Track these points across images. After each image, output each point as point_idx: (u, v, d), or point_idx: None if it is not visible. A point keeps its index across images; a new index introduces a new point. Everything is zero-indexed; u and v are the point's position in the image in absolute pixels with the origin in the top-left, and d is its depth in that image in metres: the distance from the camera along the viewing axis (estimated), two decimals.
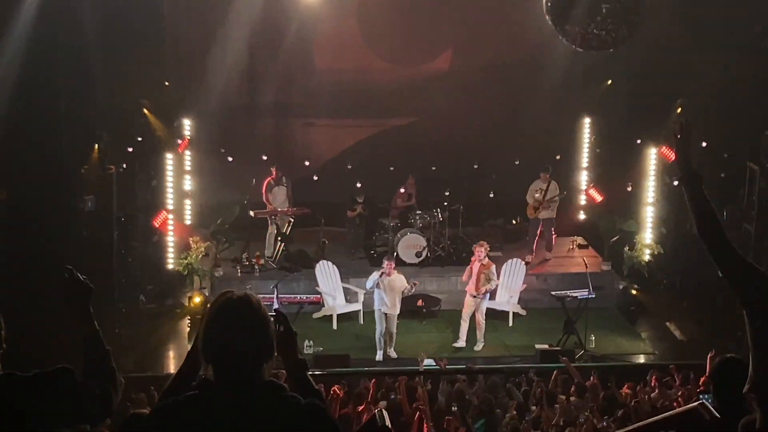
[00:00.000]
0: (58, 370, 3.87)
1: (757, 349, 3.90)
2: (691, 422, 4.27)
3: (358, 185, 20.67)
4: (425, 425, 10.01)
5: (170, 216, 19.05)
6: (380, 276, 16.37)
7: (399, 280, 16.64)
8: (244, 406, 3.55)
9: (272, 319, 3.78)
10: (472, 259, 17.23)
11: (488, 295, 17.24)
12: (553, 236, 20.43)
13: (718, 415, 4.35)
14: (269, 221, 20.02)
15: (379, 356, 16.55)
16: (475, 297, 17.06)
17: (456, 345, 17.15)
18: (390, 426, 6.17)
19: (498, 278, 17.86)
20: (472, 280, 17.06)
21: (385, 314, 16.55)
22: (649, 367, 14.40)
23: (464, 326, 17.19)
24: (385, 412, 6.84)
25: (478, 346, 17.14)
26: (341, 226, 21.14)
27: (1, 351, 3.81)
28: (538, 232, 20.17)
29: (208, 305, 3.79)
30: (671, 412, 4.92)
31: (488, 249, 17.36)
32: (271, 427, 3.54)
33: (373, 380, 12.93)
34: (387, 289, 16.45)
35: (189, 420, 3.55)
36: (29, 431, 3.64)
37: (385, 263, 16.59)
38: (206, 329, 3.65)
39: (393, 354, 16.67)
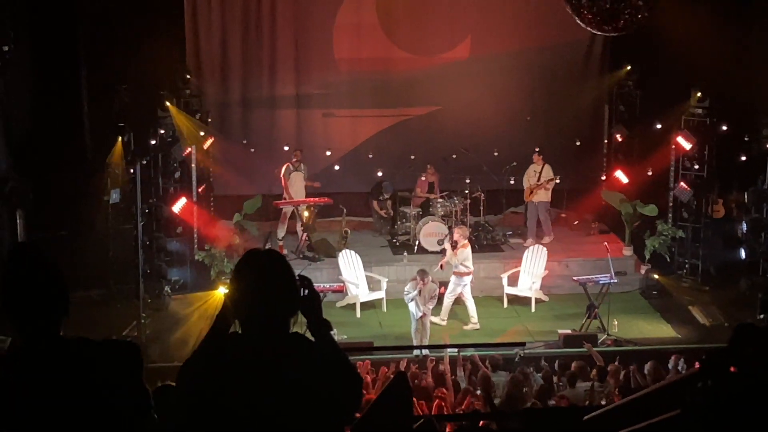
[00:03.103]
0: (128, 343, 3.99)
1: None
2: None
3: (380, 174, 20.78)
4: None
5: (193, 206, 19.21)
6: (418, 293, 16.47)
7: (431, 289, 16.76)
8: (273, 354, 3.71)
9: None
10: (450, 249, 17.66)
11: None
12: (549, 219, 20.50)
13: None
14: (287, 212, 20.20)
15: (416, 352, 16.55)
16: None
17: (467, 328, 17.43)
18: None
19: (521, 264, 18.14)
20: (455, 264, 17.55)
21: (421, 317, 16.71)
22: (674, 351, 14.47)
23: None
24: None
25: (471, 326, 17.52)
26: (363, 216, 21.26)
27: (66, 318, 3.91)
28: (545, 217, 20.30)
29: (237, 263, 3.92)
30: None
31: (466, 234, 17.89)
32: (299, 374, 3.69)
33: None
34: (424, 301, 16.58)
35: (218, 370, 3.72)
36: (95, 394, 3.73)
37: (419, 279, 16.65)
38: (236, 282, 3.82)
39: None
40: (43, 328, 3.80)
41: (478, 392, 12.14)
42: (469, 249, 17.69)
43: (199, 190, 19.89)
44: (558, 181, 20.12)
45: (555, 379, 13.55)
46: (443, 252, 17.98)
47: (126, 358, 3.90)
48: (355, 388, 3.91)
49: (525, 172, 20.33)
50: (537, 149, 20.25)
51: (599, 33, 15.05)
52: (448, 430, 8.67)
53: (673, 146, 19.63)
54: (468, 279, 17.55)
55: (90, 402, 3.74)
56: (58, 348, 3.81)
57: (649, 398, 4.96)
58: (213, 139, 20.27)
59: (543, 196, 20.20)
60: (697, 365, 4.35)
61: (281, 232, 20.28)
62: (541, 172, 20.06)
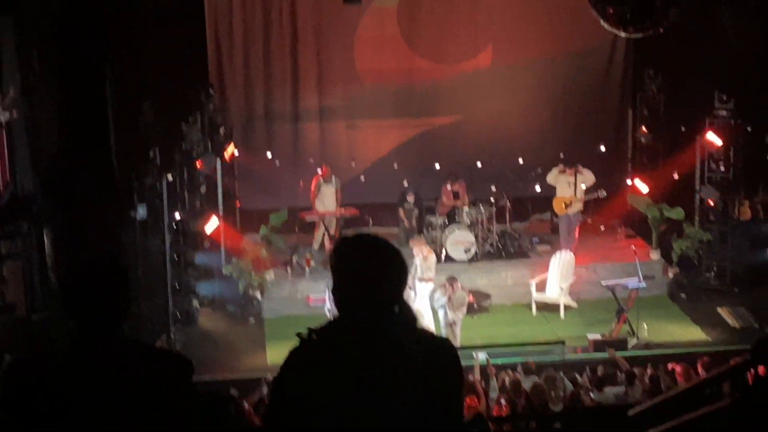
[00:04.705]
0: (181, 357, 4.00)
1: None
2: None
3: (405, 184, 20.79)
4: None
5: (220, 222, 19.27)
6: (448, 299, 16.50)
7: (460, 296, 16.77)
8: (385, 340, 3.60)
9: None
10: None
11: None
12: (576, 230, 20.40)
13: None
14: (318, 223, 20.23)
15: None
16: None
17: None
18: None
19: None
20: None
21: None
22: (704, 354, 14.42)
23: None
24: None
25: None
26: (389, 225, 21.28)
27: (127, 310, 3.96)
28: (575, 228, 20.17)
29: (335, 250, 3.78)
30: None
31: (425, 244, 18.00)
32: (410, 360, 3.58)
33: None
34: (453, 309, 16.59)
35: (322, 364, 3.58)
36: (146, 398, 3.75)
37: (448, 285, 16.68)
38: (338, 269, 3.70)
39: None
40: (105, 326, 3.85)
41: (503, 401, 12.17)
42: (433, 257, 17.82)
43: (225, 204, 19.93)
44: (603, 195, 20.09)
45: (584, 383, 13.55)
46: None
47: (180, 369, 3.92)
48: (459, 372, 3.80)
49: (554, 180, 20.07)
50: (562, 163, 20.09)
51: (624, 35, 15.01)
52: None
53: (700, 147, 19.54)
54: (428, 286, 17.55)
55: (139, 406, 3.76)
56: (118, 347, 3.86)
57: (696, 390, 4.94)
58: (236, 152, 20.32)
59: (578, 206, 20.08)
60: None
61: (316, 244, 20.28)
62: (575, 184, 19.91)
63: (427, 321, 17.04)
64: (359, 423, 3.52)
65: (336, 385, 3.53)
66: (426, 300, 17.31)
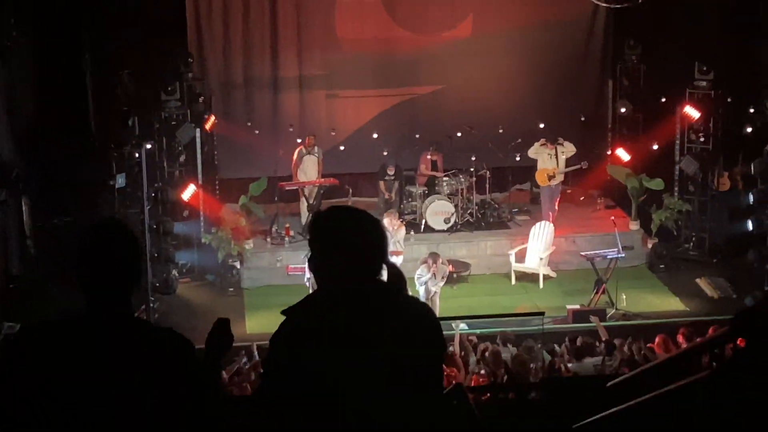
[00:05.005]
0: (186, 340, 3.94)
1: None
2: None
3: (385, 153, 20.74)
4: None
5: (200, 190, 19.20)
6: (432, 276, 16.52)
7: (442, 270, 16.80)
8: (367, 309, 3.67)
9: None
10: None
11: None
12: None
13: None
14: (299, 193, 20.18)
15: None
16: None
17: None
18: None
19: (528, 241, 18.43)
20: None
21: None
22: (683, 324, 14.48)
23: None
24: None
25: None
26: (369, 196, 21.26)
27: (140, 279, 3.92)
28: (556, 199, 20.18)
29: (314, 222, 3.85)
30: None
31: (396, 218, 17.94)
32: (396, 324, 3.66)
33: None
34: (435, 282, 16.63)
35: (308, 338, 3.65)
36: (150, 374, 3.73)
37: (431, 262, 16.70)
38: (319, 240, 3.77)
39: None
40: (113, 299, 3.80)
41: (482, 371, 12.20)
42: (403, 230, 17.91)
43: (205, 173, 19.85)
44: (585, 166, 20.09)
45: (563, 353, 13.60)
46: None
47: (184, 348, 3.87)
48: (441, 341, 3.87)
49: (535, 154, 20.01)
50: (543, 137, 20.09)
51: (604, 5, 15.00)
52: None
53: (680, 118, 19.56)
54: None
55: (142, 380, 3.73)
56: (123, 320, 3.82)
57: (676, 362, 4.95)
58: (214, 118, 20.23)
59: (560, 177, 20.07)
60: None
61: (303, 218, 20.18)
62: (557, 156, 19.87)
63: None
64: (345, 391, 3.58)
65: (321, 357, 3.58)
66: None
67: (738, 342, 4.05)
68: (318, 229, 3.76)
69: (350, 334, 3.60)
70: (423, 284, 16.60)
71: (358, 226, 3.72)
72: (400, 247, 17.51)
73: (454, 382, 11.14)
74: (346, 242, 3.68)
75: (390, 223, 17.42)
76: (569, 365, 12.69)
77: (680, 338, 13.21)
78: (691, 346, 4.94)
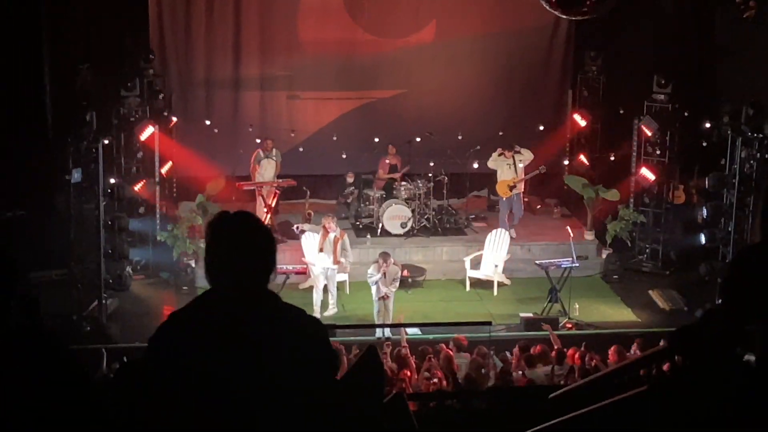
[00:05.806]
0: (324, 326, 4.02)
1: None
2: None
3: (344, 156, 20.74)
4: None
5: (156, 187, 19.12)
6: (382, 276, 16.51)
7: (394, 271, 16.80)
8: (246, 314, 3.79)
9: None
10: (322, 233, 17.55)
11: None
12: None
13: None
14: (256, 193, 20.11)
15: (378, 333, 16.48)
16: (330, 268, 17.43)
17: (328, 314, 17.36)
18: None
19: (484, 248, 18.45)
20: (328, 252, 17.40)
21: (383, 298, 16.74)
22: (634, 335, 14.59)
23: (322, 296, 17.52)
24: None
25: (330, 312, 17.43)
26: (327, 198, 21.27)
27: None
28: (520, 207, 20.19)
29: (208, 226, 3.98)
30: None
31: (335, 221, 17.90)
32: (273, 334, 3.77)
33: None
34: (387, 283, 16.62)
35: (191, 331, 3.79)
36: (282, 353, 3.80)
37: (381, 262, 16.67)
38: (211, 243, 3.91)
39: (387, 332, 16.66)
40: (248, 284, 3.88)
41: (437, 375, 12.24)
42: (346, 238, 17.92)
43: (162, 170, 19.74)
44: (543, 170, 20.12)
45: (514, 361, 13.65)
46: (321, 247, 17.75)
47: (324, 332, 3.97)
48: (330, 354, 3.96)
49: (494, 164, 19.93)
50: (500, 147, 20.00)
51: (565, 17, 15.09)
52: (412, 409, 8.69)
53: (637, 129, 19.69)
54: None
55: (288, 357, 3.80)
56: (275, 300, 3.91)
57: (616, 375, 4.99)
58: (175, 119, 20.14)
59: (521, 186, 20.07)
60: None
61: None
62: (515, 164, 19.89)
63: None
64: (225, 395, 3.70)
65: (201, 360, 3.71)
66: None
67: (675, 359, 4.10)
68: (211, 231, 3.91)
69: (227, 335, 3.71)
70: (374, 284, 16.60)
71: (247, 234, 3.87)
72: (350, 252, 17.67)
73: (403, 386, 11.24)
74: (234, 245, 3.84)
75: (332, 222, 17.49)
76: (522, 373, 12.76)
77: (634, 348, 13.32)
78: (629, 361, 4.98)
